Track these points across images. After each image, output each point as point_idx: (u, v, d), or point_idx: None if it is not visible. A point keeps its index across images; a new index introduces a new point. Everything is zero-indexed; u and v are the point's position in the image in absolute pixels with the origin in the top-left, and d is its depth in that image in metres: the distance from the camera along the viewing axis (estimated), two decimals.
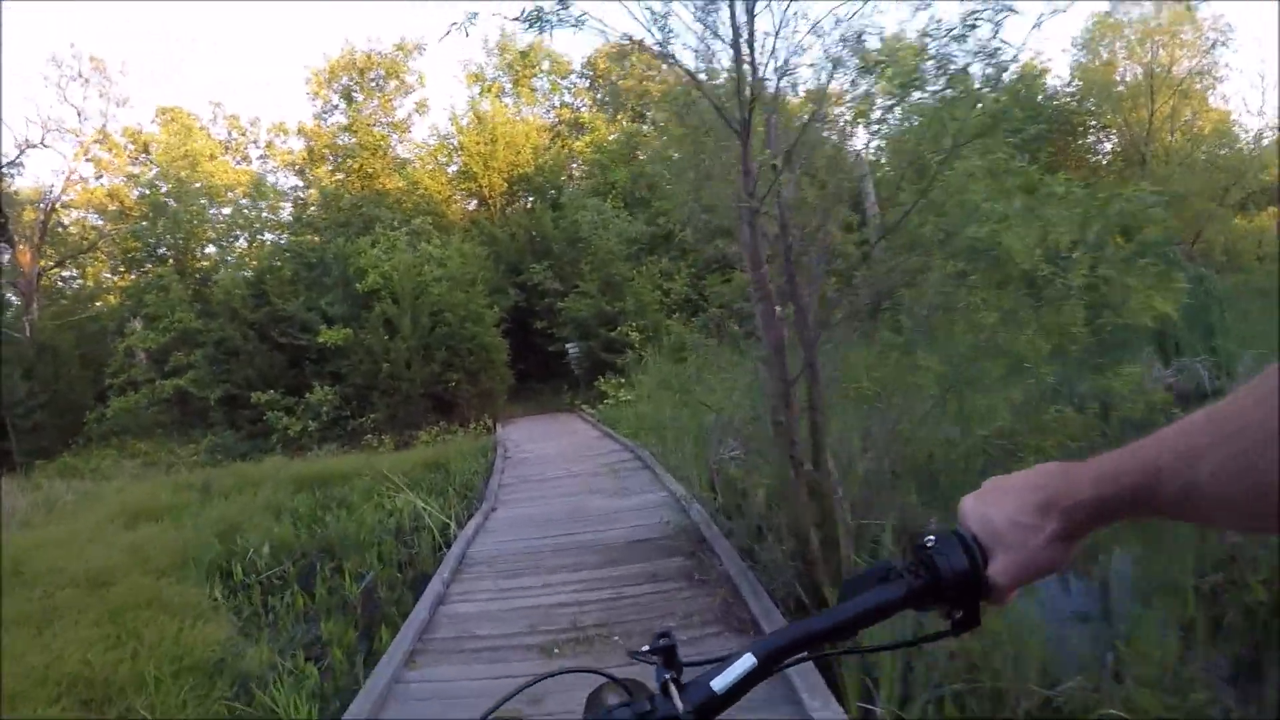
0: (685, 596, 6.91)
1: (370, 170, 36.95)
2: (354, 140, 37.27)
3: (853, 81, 8.15)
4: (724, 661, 1.04)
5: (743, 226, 7.55)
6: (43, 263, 39.24)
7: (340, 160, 37.80)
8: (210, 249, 35.35)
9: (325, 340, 25.74)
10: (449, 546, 10.14)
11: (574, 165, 40.09)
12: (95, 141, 39.78)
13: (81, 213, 40.76)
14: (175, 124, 40.80)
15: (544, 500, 12.18)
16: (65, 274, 41.96)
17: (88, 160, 39.63)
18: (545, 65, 43.32)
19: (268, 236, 34.97)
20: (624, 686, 1.12)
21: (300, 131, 38.96)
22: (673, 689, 1.02)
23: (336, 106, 38.24)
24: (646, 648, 1.08)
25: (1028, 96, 31.11)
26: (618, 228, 28.42)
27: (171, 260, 34.15)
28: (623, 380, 24.11)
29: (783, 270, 7.50)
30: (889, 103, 8.60)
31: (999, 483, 1.07)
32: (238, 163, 41.04)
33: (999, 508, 1.03)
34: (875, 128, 8.97)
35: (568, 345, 27.80)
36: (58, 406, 30.10)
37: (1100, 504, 0.94)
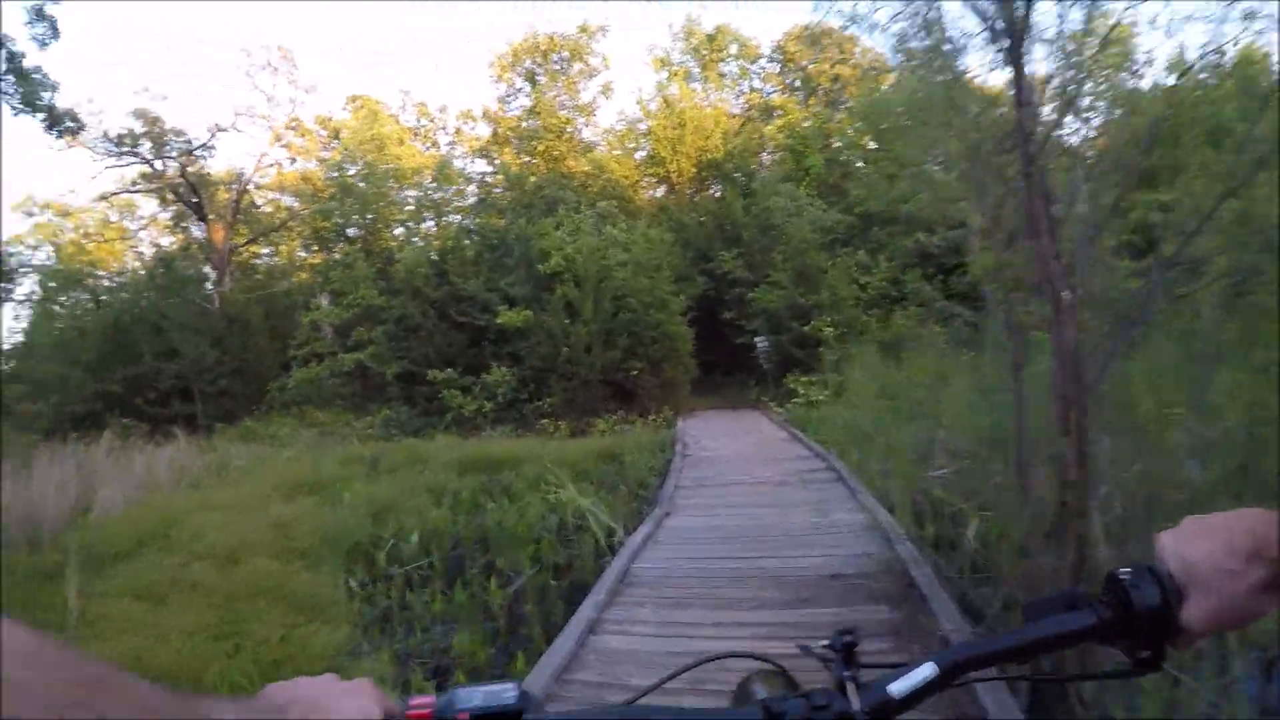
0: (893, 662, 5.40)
1: (555, 153, 36.27)
2: (538, 123, 36.62)
3: None
4: (903, 668, 1.01)
5: (1016, 182, 5.73)
6: (238, 239, 40.85)
7: (524, 143, 37.19)
8: (397, 230, 35.58)
9: (504, 321, 25.03)
10: (613, 554, 8.96)
11: (765, 152, 38.76)
12: (288, 128, 41.14)
13: (275, 194, 42.05)
14: (364, 110, 41.77)
15: (724, 510, 10.65)
16: (263, 251, 43.83)
17: (281, 146, 40.98)
18: (733, 49, 42.08)
19: (452, 219, 34.62)
20: (784, 676, 1.16)
21: (485, 116, 38.51)
22: (850, 687, 0.99)
23: (520, 90, 37.84)
24: (826, 642, 1.05)
25: None
26: (812, 215, 26.95)
27: (360, 240, 34.87)
28: (813, 378, 22.74)
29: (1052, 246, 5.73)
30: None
31: (1201, 522, 1.00)
32: (426, 148, 41.10)
33: (1200, 548, 0.96)
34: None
35: (756, 338, 26.42)
36: (244, 375, 31.15)
37: None
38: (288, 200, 41.93)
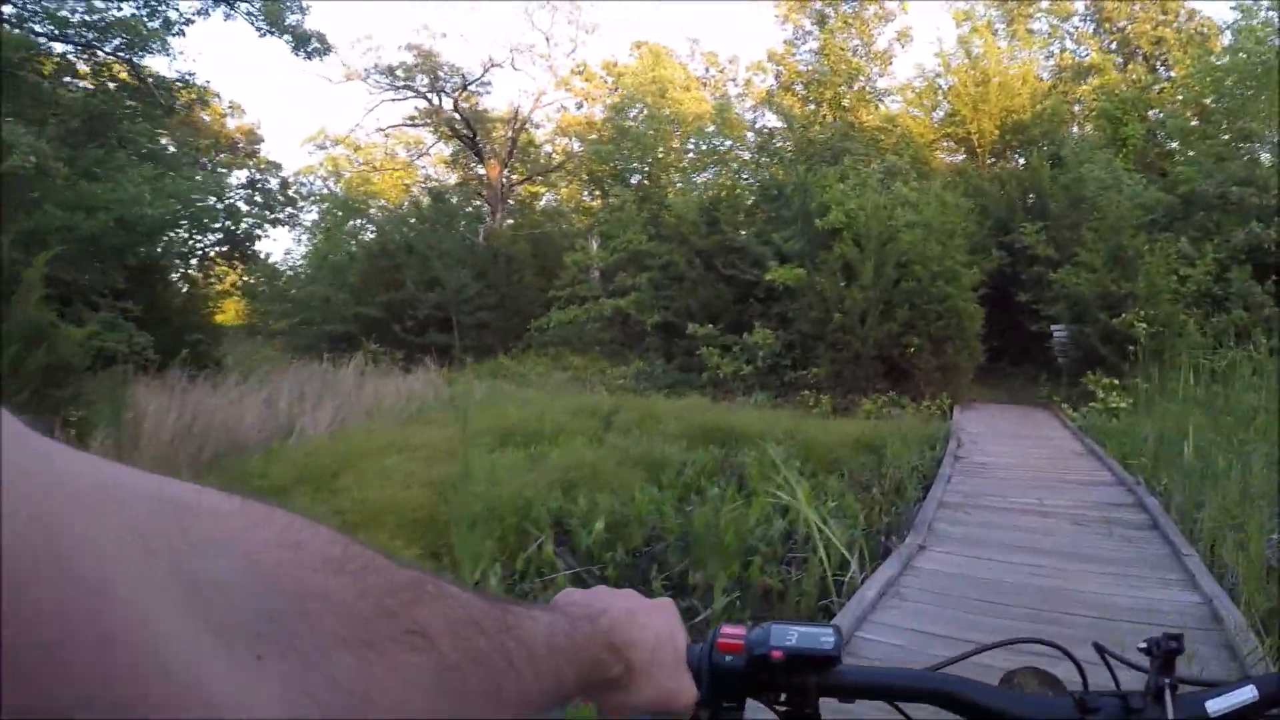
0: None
1: (844, 102, 33.90)
2: (826, 68, 34.23)
3: None
4: (1222, 686, 0.94)
5: None
6: (515, 177, 41.29)
7: (810, 89, 34.91)
8: (675, 177, 34.39)
9: (774, 278, 23.12)
10: (839, 593, 7.00)
11: (1076, 120, 35.39)
12: (574, 72, 41.47)
13: (559, 137, 42.12)
14: (648, 55, 41.19)
15: (998, 553, 8.01)
16: (545, 193, 45.24)
17: (566, 89, 40.93)
18: (1044, 3, 38.33)
19: (732, 168, 32.86)
20: (1055, 679, 1.07)
21: (770, 58, 36.25)
22: (1167, 696, 0.94)
23: (809, 33, 35.26)
24: (1144, 645, 1.00)
25: None
26: (1131, 190, 23.83)
27: (635, 185, 34.33)
28: (1116, 381, 19.97)
29: None
30: None
31: None
32: (715, 99, 39.54)
33: None
34: None
35: (1053, 327, 23.32)
36: (504, 310, 31.35)
37: None
38: (568, 143, 42.21)
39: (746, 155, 32.51)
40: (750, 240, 24.83)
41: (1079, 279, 21.61)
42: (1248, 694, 0.91)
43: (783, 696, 0.95)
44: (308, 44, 24.24)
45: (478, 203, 40.16)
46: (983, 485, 11.52)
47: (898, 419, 18.41)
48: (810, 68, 34.82)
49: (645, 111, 35.90)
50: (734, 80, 41.68)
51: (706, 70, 42.39)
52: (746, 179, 30.54)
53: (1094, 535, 8.74)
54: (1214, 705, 0.91)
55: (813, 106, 34.31)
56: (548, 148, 43.71)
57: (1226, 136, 27.85)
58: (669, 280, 26.18)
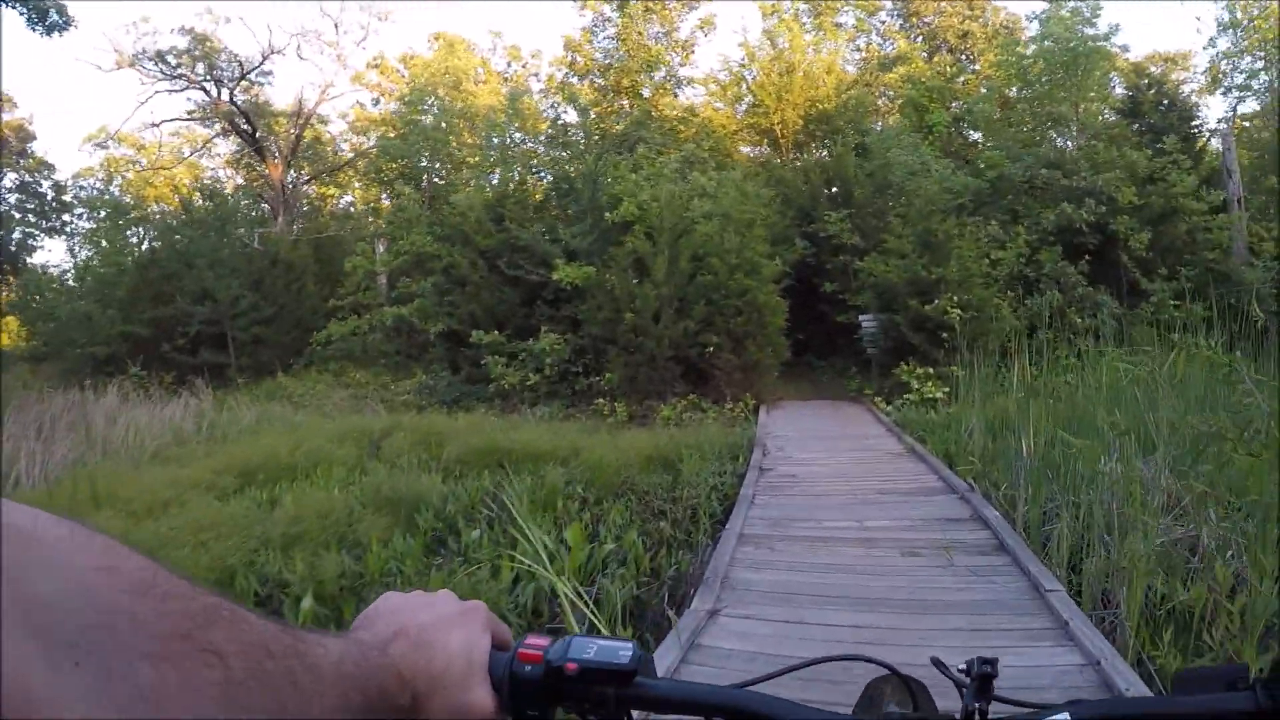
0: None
1: (643, 91, 31.98)
2: (624, 53, 32.28)
3: None
4: (1038, 712, 0.94)
5: None
6: (305, 176, 39.75)
7: (606, 76, 32.89)
8: (466, 174, 32.00)
9: (561, 277, 21.02)
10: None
11: (881, 109, 34.62)
12: (371, 66, 38.96)
13: (348, 132, 39.13)
14: (444, 46, 39.03)
15: (813, 612, 5.76)
16: (343, 197, 42.54)
17: (362, 85, 38.24)
18: None
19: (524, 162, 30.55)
20: (910, 689, 1.10)
21: (567, 46, 34.04)
22: None
23: (609, 20, 33.14)
24: (964, 666, 1.00)
25: None
26: (939, 175, 22.62)
27: (422, 182, 32.45)
28: (933, 370, 18.52)
29: None
30: None
31: None
32: (509, 91, 37.18)
33: None
34: None
35: (861, 317, 21.75)
36: (282, 323, 28.34)
37: None
38: (363, 141, 39.58)
39: (541, 149, 30.19)
40: (536, 237, 22.56)
41: (887, 266, 20.14)
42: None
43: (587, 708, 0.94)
44: (45, 17, 20.85)
45: (264, 205, 36.81)
46: (792, 506, 9.49)
47: (699, 425, 16.62)
48: (608, 56, 32.75)
49: (436, 105, 33.56)
50: (536, 75, 39.47)
51: (509, 65, 40.08)
52: (539, 173, 28.33)
53: (931, 568, 6.77)
54: None
55: (609, 96, 32.27)
56: (344, 146, 40.69)
57: (1030, 125, 27.98)
58: (452, 284, 23.70)
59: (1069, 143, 26.29)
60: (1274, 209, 25.22)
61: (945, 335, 18.32)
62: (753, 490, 10.18)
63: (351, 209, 40.37)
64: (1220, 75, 34.02)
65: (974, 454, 11.60)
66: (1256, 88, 32.71)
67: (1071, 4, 26.29)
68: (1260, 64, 31.89)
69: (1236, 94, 33.85)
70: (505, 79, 39.55)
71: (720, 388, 19.16)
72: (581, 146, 27.07)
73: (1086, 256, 22.04)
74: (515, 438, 13.55)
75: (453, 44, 38.86)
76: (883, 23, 39.83)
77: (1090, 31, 25.78)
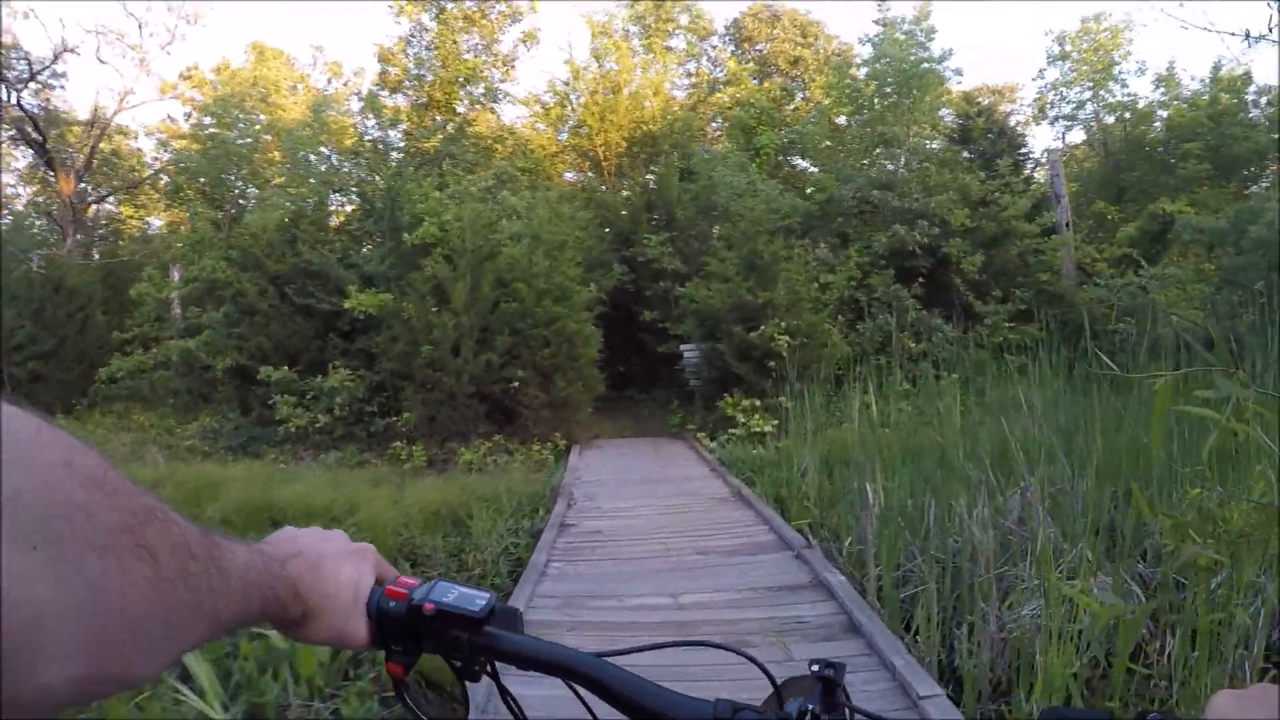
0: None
1: (457, 105, 29.96)
2: (439, 63, 30.13)
3: None
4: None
5: None
6: (100, 193, 35.82)
7: (419, 88, 30.73)
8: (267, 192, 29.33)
9: (354, 306, 18.82)
10: None
11: (711, 133, 33.45)
12: (183, 77, 35.63)
13: (159, 149, 35.76)
14: (254, 55, 36.45)
15: None
16: (153, 220, 38.45)
17: (175, 98, 35.00)
18: (683, 20, 36.31)
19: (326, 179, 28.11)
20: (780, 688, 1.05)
21: (380, 57, 31.60)
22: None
23: (427, 29, 30.84)
24: (816, 667, 0.98)
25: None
26: (767, 196, 21.37)
27: (223, 201, 30.04)
28: (760, 402, 17.08)
29: None
30: None
31: (1270, 693, 0.79)
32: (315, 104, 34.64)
33: (1253, 715, 0.78)
34: None
35: (683, 346, 20.20)
36: (65, 358, 25.00)
37: None
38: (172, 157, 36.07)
39: (346, 167, 27.84)
40: (329, 262, 20.35)
41: (710, 291, 18.59)
42: None
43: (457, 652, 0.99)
44: None
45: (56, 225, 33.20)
46: (592, 576, 7.79)
47: (503, 470, 14.86)
48: (422, 67, 30.55)
49: (242, 118, 31.00)
50: (359, 93, 36.94)
51: (329, 82, 37.43)
52: (342, 193, 26.10)
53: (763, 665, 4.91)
54: None
55: (423, 110, 30.14)
56: (153, 162, 37.20)
57: (860, 148, 27.44)
58: (242, 314, 21.12)
59: (900, 166, 25.51)
60: (1101, 232, 25.27)
61: (773, 364, 16.89)
62: (546, 556, 8.42)
63: (152, 232, 36.81)
64: (1047, 105, 34.85)
65: (809, 497, 10.30)
66: (1083, 117, 33.38)
67: (907, 26, 25.85)
68: (1088, 94, 32.42)
69: (1064, 123, 34.80)
70: (325, 96, 37.00)
71: (529, 426, 17.30)
72: (380, 161, 24.72)
73: (920, 280, 21.11)
74: (290, 492, 11.87)
75: (263, 52, 36.25)
76: (714, 47, 39.07)
77: (924, 54, 25.32)
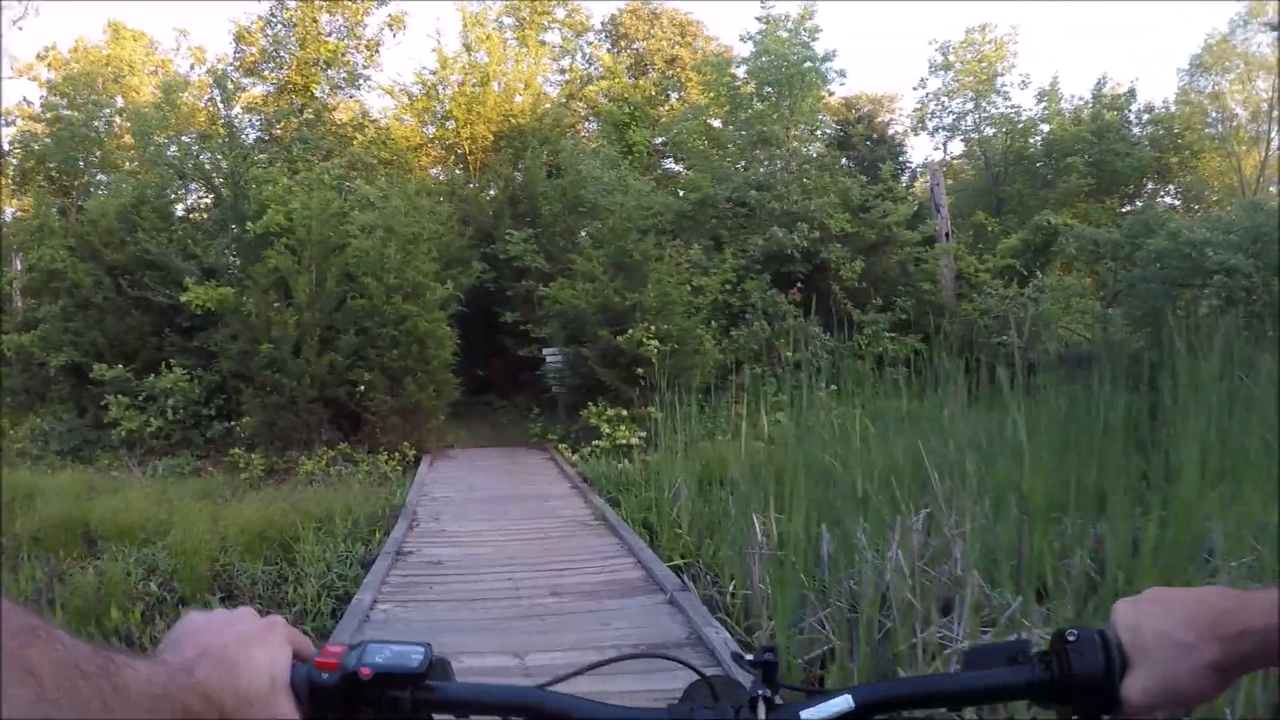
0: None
1: (312, 88, 28.37)
2: (297, 44, 28.46)
3: None
4: (820, 695, 0.98)
5: None
6: None
7: (273, 67, 29.00)
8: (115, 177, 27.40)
9: (190, 300, 17.30)
10: None
11: (587, 129, 32.41)
12: (40, 58, 33.37)
13: (17, 133, 33.51)
14: (110, 33, 33.79)
15: None
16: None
17: (31, 79, 33.01)
18: (559, 14, 35.19)
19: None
20: (712, 688, 1.11)
21: (237, 37, 29.67)
22: (761, 707, 0.97)
23: (288, 7, 28.85)
24: (751, 656, 1.04)
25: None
26: (638, 192, 20.40)
27: (64, 187, 28.40)
28: (627, 412, 16.09)
29: None
30: None
31: (1162, 593, 0.98)
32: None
33: (1154, 618, 0.94)
34: None
35: (545, 350, 19.17)
36: None
37: (1271, 635, 0.85)
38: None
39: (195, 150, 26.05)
40: (170, 252, 18.77)
41: (575, 291, 17.47)
42: (844, 704, 0.94)
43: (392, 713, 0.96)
44: None
45: None
46: (425, 625, 6.63)
47: (346, 482, 13.61)
48: (279, 46, 28.73)
49: (92, 99, 29.18)
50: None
51: (192, 68, 35.17)
52: (182, 172, 24.35)
53: None
54: (809, 714, 0.94)
55: (279, 94, 28.43)
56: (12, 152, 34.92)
57: (738, 149, 26.82)
58: (77, 307, 19.50)
59: (779, 167, 24.74)
60: (981, 243, 25.14)
61: (641, 371, 15.81)
62: (373, 595, 7.24)
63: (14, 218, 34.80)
64: (927, 115, 34.72)
65: (682, 523, 9.38)
66: (964, 128, 33.33)
67: (790, 24, 25.14)
68: (970, 105, 32.33)
69: (944, 134, 34.89)
70: (179, 78, 34.94)
71: (376, 435, 16.04)
72: (227, 145, 22.99)
73: (799, 286, 20.37)
74: (107, 506, 10.75)
75: (119, 31, 34.01)
76: (590, 44, 38.05)
77: (807, 54, 24.55)
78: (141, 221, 19.61)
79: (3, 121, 29.46)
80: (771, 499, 7.33)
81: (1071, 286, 20.85)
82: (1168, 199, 33.66)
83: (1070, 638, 0.96)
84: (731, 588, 7.11)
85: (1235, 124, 33.15)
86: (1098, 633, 0.96)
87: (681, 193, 23.50)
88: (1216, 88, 33.37)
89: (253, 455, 15.61)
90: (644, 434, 15.35)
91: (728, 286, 19.96)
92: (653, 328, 16.19)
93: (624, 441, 15.45)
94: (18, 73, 33.19)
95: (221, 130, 21.93)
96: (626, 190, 20.47)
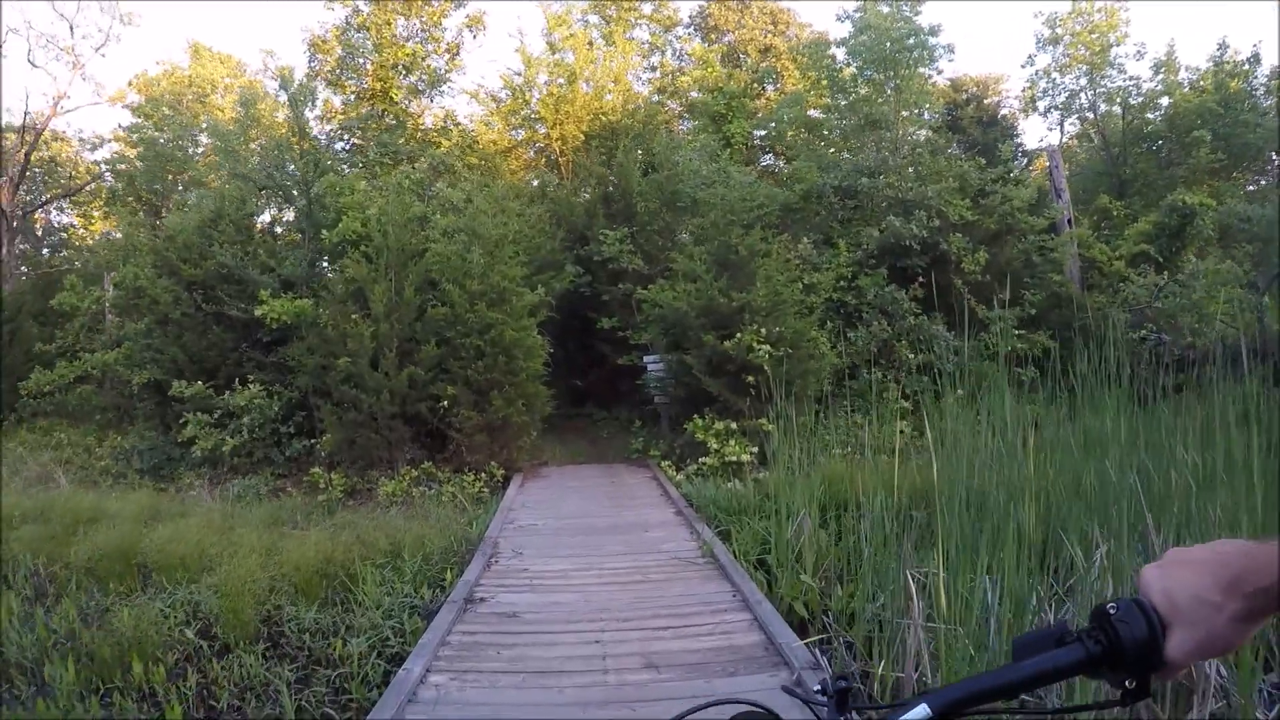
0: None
1: (392, 94, 27.37)
2: (371, 46, 27.48)
3: None
4: (898, 708, 1.05)
5: None
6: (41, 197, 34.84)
7: (350, 75, 27.96)
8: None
9: (266, 313, 16.28)
10: None
11: (681, 129, 30.96)
12: (130, 84, 34.00)
13: (114, 157, 33.51)
14: (193, 54, 34.19)
15: None
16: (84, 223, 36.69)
17: (123, 106, 33.07)
18: (646, 9, 34.15)
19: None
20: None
21: (313, 46, 28.79)
22: None
23: (361, 12, 28.03)
24: (818, 687, 1.13)
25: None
26: (741, 183, 18.90)
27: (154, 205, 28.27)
28: (736, 424, 14.54)
29: None
30: None
31: (1182, 555, 1.06)
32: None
33: (1182, 582, 1.02)
34: None
35: (646, 358, 17.72)
36: None
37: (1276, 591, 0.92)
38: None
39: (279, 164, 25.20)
40: (247, 264, 17.82)
41: (676, 292, 15.95)
42: (922, 712, 1.00)
43: None
44: None
45: None
46: (483, 710, 5.17)
47: (430, 503, 12.48)
48: (355, 53, 27.82)
49: (176, 119, 29.03)
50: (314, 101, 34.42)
51: (278, 89, 34.83)
52: (260, 184, 23.57)
53: None
54: None
55: (353, 99, 27.52)
56: (107, 175, 34.92)
57: (844, 135, 25.33)
58: (158, 324, 18.71)
59: (889, 151, 22.88)
60: (1107, 229, 23.35)
61: (751, 379, 14.25)
62: (426, 661, 5.89)
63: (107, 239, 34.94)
64: (1037, 95, 32.95)
65: (806, 563, 7.73)
66: (1078, 106, 31.32)
67: (887, 7, 23.41)
68: (1084, 80, 30.38)
69: (1058, 113, 33.00)
70: (256, 89, 34.60)
71: (461, 453, 14.72)
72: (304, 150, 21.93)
73: (919, 281, 18.67)
74: (164, 533, 9.60)
75: (199, 52, 33.78)
76: (679, 38, 36.98)
77: (911, 27, 22.77)
78: (219, 236, 18.78)
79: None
80: (939, 548, 5.64)
81: (1228, 272, 18.75)
82: None
83: (1111, 611, 1.03)
84: (880, 671, 5.58)
85: None
86: (1134, 602, 1.02)
87: (785, 185, 21.92)
88: None
89: (332, 475, 14.52)
90: (755, 449, 13.84)
91: (842, 283, 18.40)
92: (763, 330, 14.61)
93: (734, 458, 13.91)
94: (110, 100, 33.25)
95: (294, 139, 21.01)
96: (728, 182, 18.99)
